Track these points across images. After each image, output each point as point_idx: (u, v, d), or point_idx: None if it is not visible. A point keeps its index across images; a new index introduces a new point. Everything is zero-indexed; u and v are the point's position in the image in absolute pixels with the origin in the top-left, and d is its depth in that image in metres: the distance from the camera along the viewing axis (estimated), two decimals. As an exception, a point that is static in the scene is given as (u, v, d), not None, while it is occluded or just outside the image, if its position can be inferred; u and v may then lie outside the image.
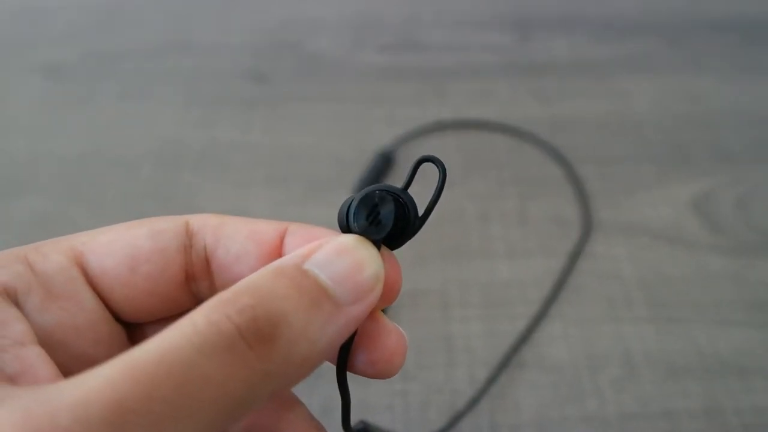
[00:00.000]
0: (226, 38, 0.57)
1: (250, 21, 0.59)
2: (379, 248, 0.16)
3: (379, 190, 0.16)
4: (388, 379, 0.33)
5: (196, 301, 0.18)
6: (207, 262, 0.17)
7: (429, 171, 0.47)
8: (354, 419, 0.21)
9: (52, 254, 0.17)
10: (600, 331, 0.34)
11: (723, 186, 0.42)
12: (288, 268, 0.14)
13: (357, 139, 0.45)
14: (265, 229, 0.17)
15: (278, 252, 0.17)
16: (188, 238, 0.17)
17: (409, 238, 0.17)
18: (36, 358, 0.15)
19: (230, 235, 0.17)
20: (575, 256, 0.37)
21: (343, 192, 0.41)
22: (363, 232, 0.16)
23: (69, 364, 0.16)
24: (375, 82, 0.51)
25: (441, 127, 0.47)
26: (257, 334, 0.13)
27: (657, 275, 0.36)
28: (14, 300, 0.16)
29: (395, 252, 0.17)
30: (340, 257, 0.15)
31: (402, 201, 0.17)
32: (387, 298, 0.17)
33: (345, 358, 0.17)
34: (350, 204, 0.16)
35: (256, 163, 0.44)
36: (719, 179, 0.42)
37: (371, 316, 0.17)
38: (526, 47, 0.55)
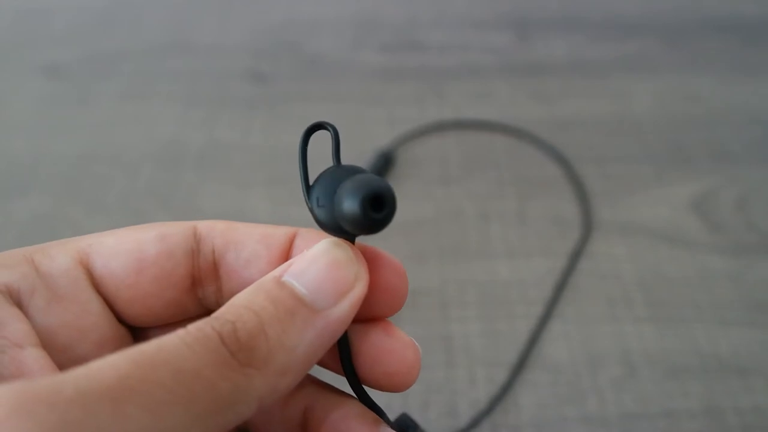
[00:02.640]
0: (226, 38, 0.57)
1: (250, 21, 0.59)
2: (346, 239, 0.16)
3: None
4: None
5: (201, 306, 0.18)
6: (215, 266, 0.18)
7: (428, 167, 0.47)
8: None
9: (58, 256, 0.17)
10: (600, 331, 0.34)
11: (723, 186, 0.42)
12: (266, 283, 0.15)
13: (357, 139, 0.45)
14: (276, 233, 0.17)
15: (287, 256, 0.17)
16: (196, 243, 0.17)
17: (349, 211, 0.15)
18: (33, 361, 0.15)
19: (241, 239, 0.17)
20: (575, 256, 0.37)
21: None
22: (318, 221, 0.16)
23: (73, 366, 0.16)
24: (375, 82, 0.51)
25: (441, 127, 0.47)
26: (237, 344, 0.13)
27: (657, 275, 0.36)
28: (17, 301, 0.16)
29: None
30: (314, 263, 0.15)
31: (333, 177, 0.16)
32: (391, 306, 0.17)
33: (350, 370, 0.17)
34: None
35: (256, 163, 0.44)
36: (719, 179, 0.42)
37: (387, 330, 0.17)
38: (526, 47, 0.55)
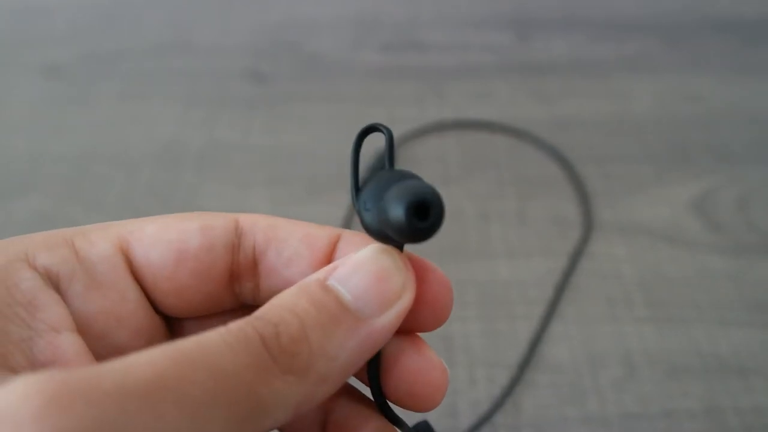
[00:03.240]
0: (226, 38, 0.57)
1: (250, 21, 0.59)
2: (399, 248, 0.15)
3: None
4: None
5: (238, 300, 0.18)
6: (254, 262, 0.17)
7: (428, 167, 0.47)
8: None
9: (99, 241, 0.16)
10: (600, 331, 0.34)
11: (723, 186, 0.42)
12: (311, 285, 0.14)
13: (357, 139, 0.45)
14: (319, 233, 0.17)
15: (329, 258, 0.17)
16: (237, 237, 0.17)
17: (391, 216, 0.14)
18: (69, 346, 0.15)
19: (283, 237, 0.17)
20: (576, 256, 0.37)
21: (343, 192, 0.41)
22: (372, 233, 0.15)
23: (108, 354, 0.16)
24: (375, 82, 0.51)
25: (441, 127, 0.47)
26: (278, 348, 0.13)
27: (657, 275, 0.36)
28: (56, 285, 0.15)
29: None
30: (361, 269, 0.15)
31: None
32: (434, 321, 0.16)
33: (376, 384, 0.16)
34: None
35: (256, 163, 0.44)
36: (719, 179, 0.42)
37: (418, 347, 0.16)
38: (526, 47, 0.55)
